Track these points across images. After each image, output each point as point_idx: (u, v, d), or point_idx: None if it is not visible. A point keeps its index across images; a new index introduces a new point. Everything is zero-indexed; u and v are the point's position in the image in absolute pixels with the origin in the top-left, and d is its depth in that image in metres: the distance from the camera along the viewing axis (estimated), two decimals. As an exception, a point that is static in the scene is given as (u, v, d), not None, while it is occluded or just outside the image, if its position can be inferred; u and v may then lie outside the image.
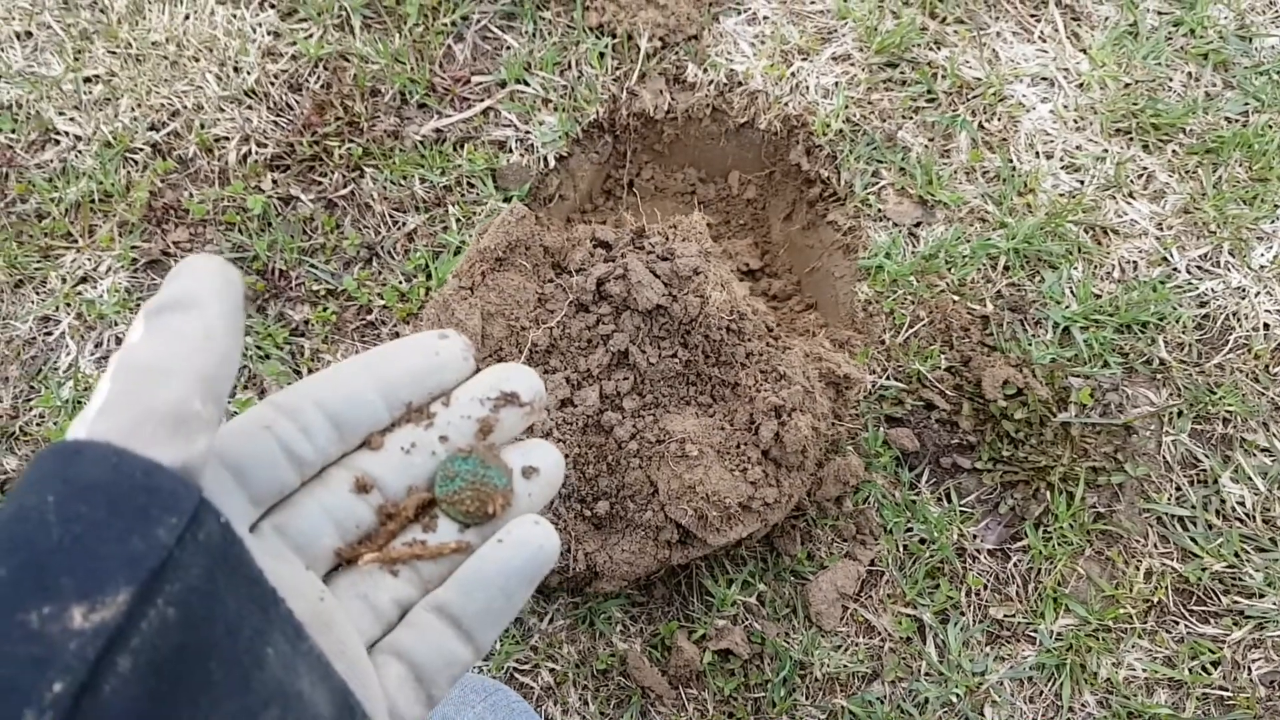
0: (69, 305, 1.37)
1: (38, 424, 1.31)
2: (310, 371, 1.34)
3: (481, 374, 0.41)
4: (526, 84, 1.50)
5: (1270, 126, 1.51)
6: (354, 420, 0.38)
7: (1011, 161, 1.48)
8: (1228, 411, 1.35)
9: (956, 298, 1.40)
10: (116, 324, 1.36)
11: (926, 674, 1.25)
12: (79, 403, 1.32)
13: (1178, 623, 1.28)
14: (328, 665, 0.34)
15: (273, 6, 1.54)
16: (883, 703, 1.23)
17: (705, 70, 1.52)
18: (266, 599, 0.32)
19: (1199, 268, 1.44)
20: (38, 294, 1.38)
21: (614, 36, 1.53)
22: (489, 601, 0.38)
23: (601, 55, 1.52)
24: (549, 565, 0.40)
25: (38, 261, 1.39)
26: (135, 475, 0.29)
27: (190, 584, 0.29)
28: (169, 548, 0.28)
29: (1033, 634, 1.27)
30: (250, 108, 1.47)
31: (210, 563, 0.30)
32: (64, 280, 1.38)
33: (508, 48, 1.53)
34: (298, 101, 1.48)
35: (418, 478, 0.40)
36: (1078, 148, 1.50)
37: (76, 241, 1.41)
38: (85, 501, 0.28)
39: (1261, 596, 1.27)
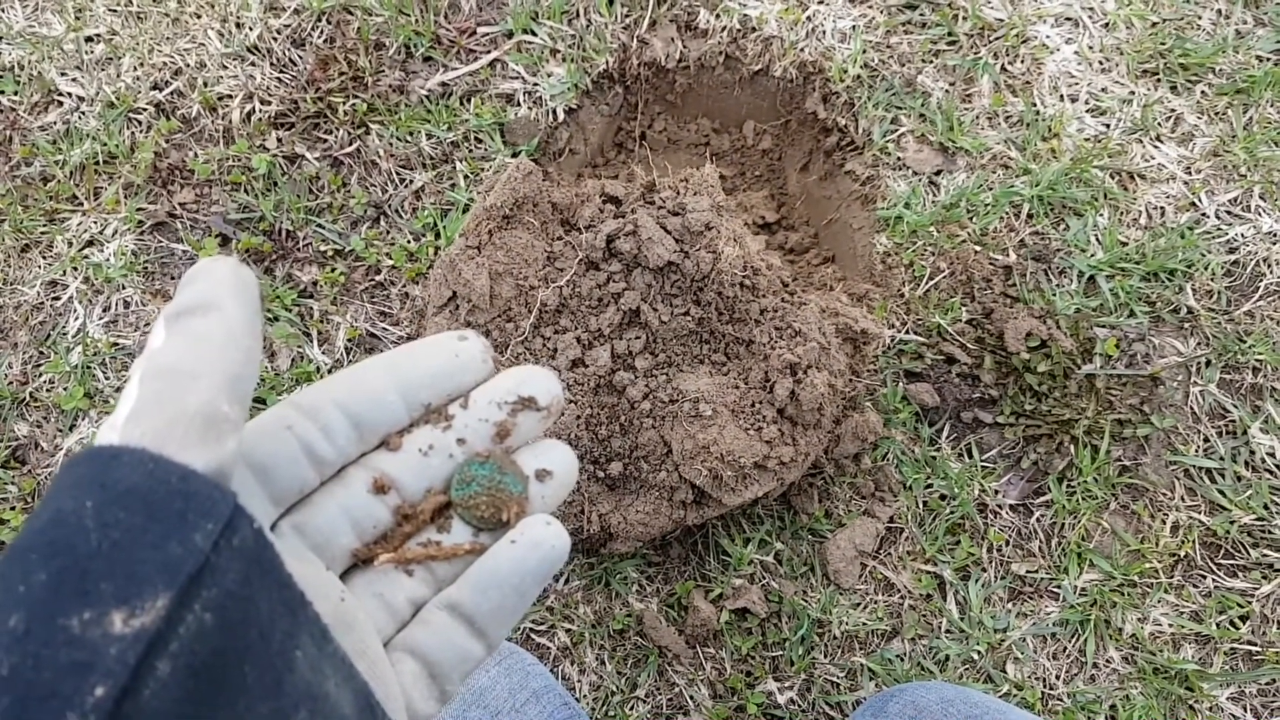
0: (76, 269, 1.36)
1: (47, 390, 1.31)
2: (320, 334, 1.33)
3: (500, 377, 0.42)
4: (534, 34, 1.46)
5: (1304, 64, 1.46)
6: (374, 421, 0.39)
7: (1035, 105, 1.44)
8: (1257, 360, 1.32)
9: (978, 248, 1.36)
10: (124, 288, 1.35)
11: (947, 631, 1.23)
12: (88, 368, 1.31)
13: (1205, 577, 1.25)
14: (351, 666, 0.35)
15: (274, -41, 1.50)
16: (902, 660, 1.22)
17: (718, 16, 1.48)
18: (295, 602, 0.33)
19: (1228, 212, 1.39)
20: (44, 258, 1.37)
21: (623, -17, 1.49)
22: (502, 600, 0.39)
23: (610, 2, 1.48)
24: (560, 564, 0.40)
25: (43, 225, 1.38)
26: (171, 480, 0.29)
27: (226, 589, 0.29)
28: (206, 553, 0.29)
29: (1056, 590, 1.25)
30: (253, 64, 1.44)
31: (244, 567, 0.30)
32: (70, 244, 1.37)
33: (514, -3, 1.49)
34: (301, 57, 1.45)
35: (435, 479, 0.40)
36: (1103, 90, 1.45)
37: (82, 204, 1.39)
38: (123, 507, 0.28)
39: (1291, 549, 1.25)
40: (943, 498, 1.27)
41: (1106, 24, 1.48)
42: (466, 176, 1.39)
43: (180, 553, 0.28)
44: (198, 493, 0.30)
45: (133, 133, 1.42)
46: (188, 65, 1.44)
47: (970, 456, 1.29)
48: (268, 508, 0.37)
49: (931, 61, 1.46)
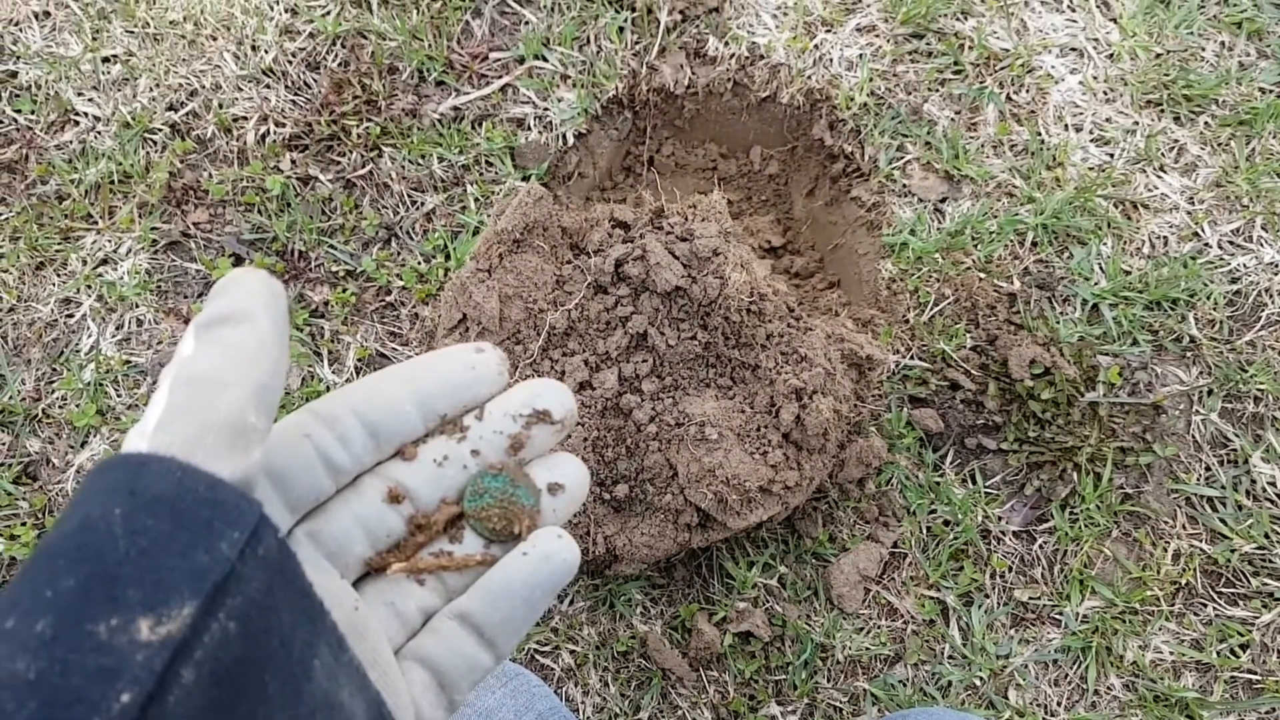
0: (90, 287, 1.37)
1: (60, 406, 1.32)
2: (330, 353, 1.34)
3: (515, 389, 0.42)
4: (545, 60, 1.48)
5: (1307, 96, 1.48)
6: (390, 431, 0.39)
7: (1040, 134, 1.45)
8: (1259, 390, 1.33)
9: (983, 275, 1.38)
10: (137, 306, 1.36)
11: (950, 657, 1.24)
12: (100, 386, 1.32)
13: (1206, 605, 1.26)
14: (365, 676, 0.35)
15: (289, -17, 1.52)
16: (905, 685, 1.22)
17: (726, 43, 1.50)
18: (315, 611, 0.33)
19: (1231, 243, 1.41)
20: (58, 276, 1.38)
21: (633, 10, 1.50)
22: (512, 612, 0.39)
23: (621, 29, 1.49)
24: (570, 577, 0.40)
25: (58, 243, 1.39)
26: (199, 489, 0.30)
27: (250, 597, 0.29)
28: (231, 561, 0.29)
29: (1058, 616, 1.25)
30: (268, 87, 1.46)
31: (268, 576, 0.31)
32: (84, 262, 1.38)
33: (526, 22, 1.51)
34: (315, 80, 1.47)
35: (449, 490, 0.41)
36: (1107, 120, 1.46)
37: (96, 223, 1.41)
38: (151, 514, 0.29)
39: (1292, 579, 1.25)
40: (946, 523, 1.28)
41: (1111, 55, 1.50)
42: (477, 199, 1.41)
43: (207, 561, 0.28)
44: (225, 501, 0.30)
45: (148, 153, 1.44)
46: (203, 87, 1.46)
47: (974, 482, 1.30)
48: (284, 515, 0.37)
49: (937, 90, 1.48)
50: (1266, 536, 1.26)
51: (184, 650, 0.27)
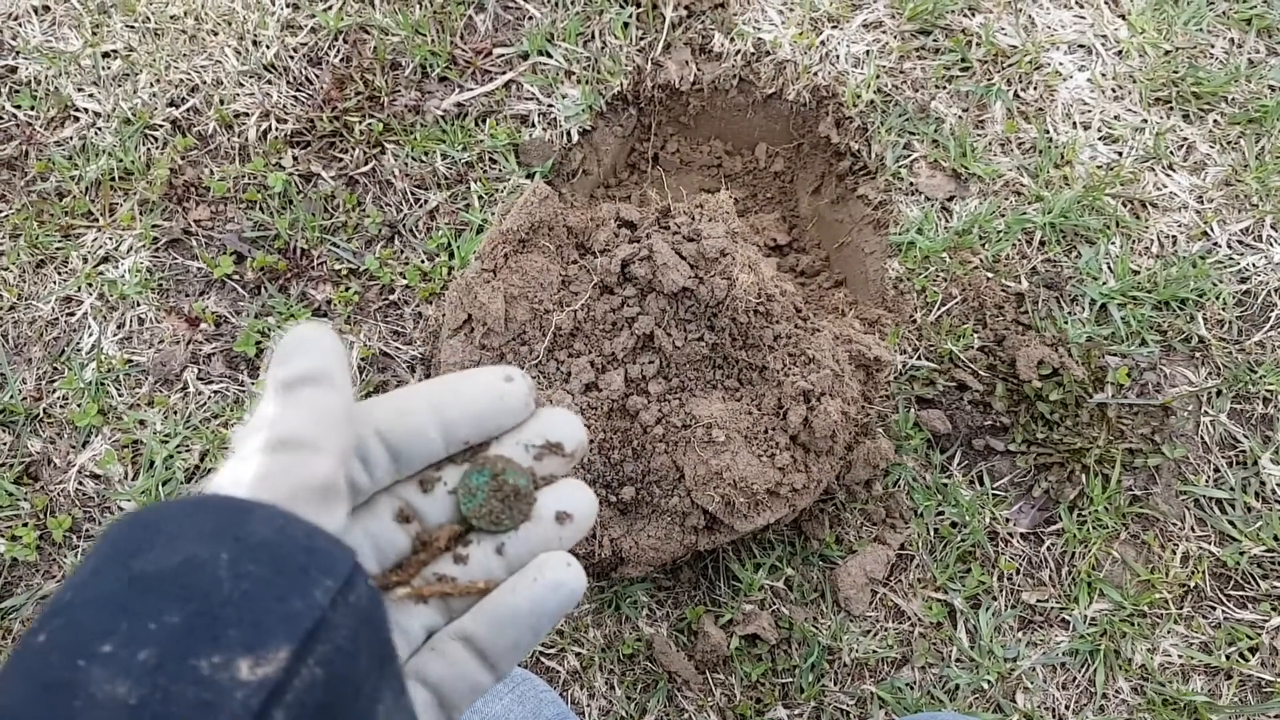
0: (90, 285, 1.36)
1: (61, 406, 1.31)
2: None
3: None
4: (549, 55, 1.47)
5: (1317, 94, 1.46)
6: (412, 455, 0.40)
7: (1048, 132, 1.44)
8: (1268, 391, 1.32)
9: (990, 274, 1.37)
10: (138, 304, 1.35)
11: (957, 660, 1.23)
12: (101, 384, 1.31)
13: (1215, 608, 1.25)
14: (415, 717, 0.36)
15: (291, -22, 1.51)
16: (912, 689, 1.22)
17: (732, 40, 1.48)
18: (388, 657, 0.34)
19: (1240, 242, 1.40)
20: (59, 274, 1.37)
21: (638, 5, 1.49)
22: (518, 638, 0.40)
23: (625, 25, 1.48)
24: (575, 604, 0.42)
25: (59, 241, 1.38)
26: (299, 537, 0.31)
27: (337, 644, 0.30)
28: (324, 609, 0.30)
29: (1066, 619, 1.25)
30: (270, 82, 1.45)
31: (356, 624, 0.32)
32: (85, 260, 1.37)
33: (530, 18, 1.50)
34: (317, 76, 1.46)
35: (455, 509, 0.41)
36: (1116, 118, 1.45)
37: (97, 220, 1.39)
38: (254, 560, 0.30)
39: (1302, 581, 1.25)
40: (954, 525, 1.27)
41: (1120, 52, 1.49)
42: (481, 197, 1.39)
43: (300, 607, 0.29)
44: (320, 549, 0.31)
45: (149, 149, 1.43)
46: (204, 82, 1.45)
47: (981, 484, 1.29)
48: None
49: (945, 87, 1.47)
50: (1276, 539, 1.26)
51: (278, 692, 0.28)
